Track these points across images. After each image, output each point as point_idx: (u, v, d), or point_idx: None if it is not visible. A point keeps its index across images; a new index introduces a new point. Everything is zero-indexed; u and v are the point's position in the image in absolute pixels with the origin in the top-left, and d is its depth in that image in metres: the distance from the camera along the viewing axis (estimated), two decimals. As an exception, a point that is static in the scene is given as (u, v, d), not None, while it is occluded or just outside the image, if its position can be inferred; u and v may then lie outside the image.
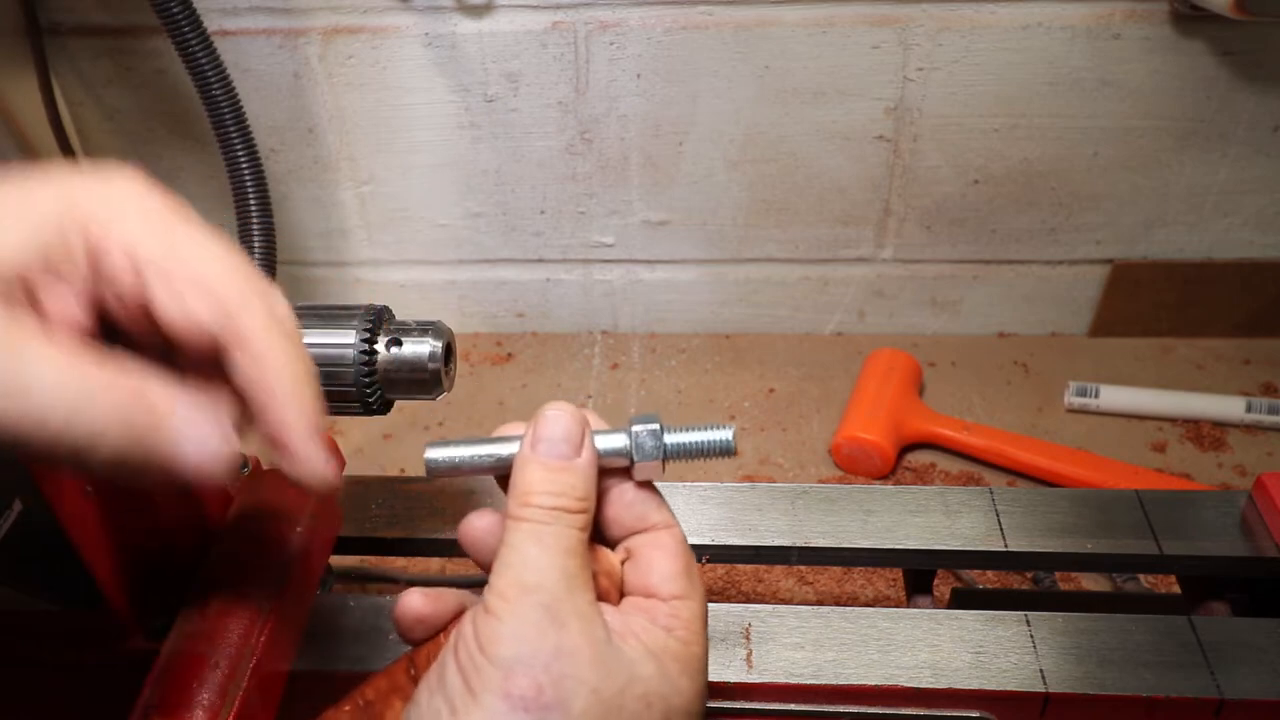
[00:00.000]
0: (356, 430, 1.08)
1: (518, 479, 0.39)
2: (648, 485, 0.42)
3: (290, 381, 0.35)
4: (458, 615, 0.42)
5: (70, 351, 0.32)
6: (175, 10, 0.81)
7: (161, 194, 0.36)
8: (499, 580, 0.37)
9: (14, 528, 0.44)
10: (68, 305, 0.34)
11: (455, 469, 0.42)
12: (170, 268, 0.34)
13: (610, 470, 0.41)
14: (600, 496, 0.41)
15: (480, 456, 0.42)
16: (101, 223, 0.34)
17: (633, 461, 0.41)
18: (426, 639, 0.42)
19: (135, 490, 0.51)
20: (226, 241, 0.36)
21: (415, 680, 0.41)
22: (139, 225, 0.35)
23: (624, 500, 0.42)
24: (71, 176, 0.35)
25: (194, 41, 0.83)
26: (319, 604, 0.59)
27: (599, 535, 0.42)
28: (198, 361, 0.36)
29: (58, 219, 0.33)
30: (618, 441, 0.41)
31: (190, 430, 0.33)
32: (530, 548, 0.37)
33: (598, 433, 0.41)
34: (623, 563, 0.41)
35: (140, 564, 0.53)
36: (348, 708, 0.41)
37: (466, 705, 0.34)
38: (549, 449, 0.39)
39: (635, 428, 0.41)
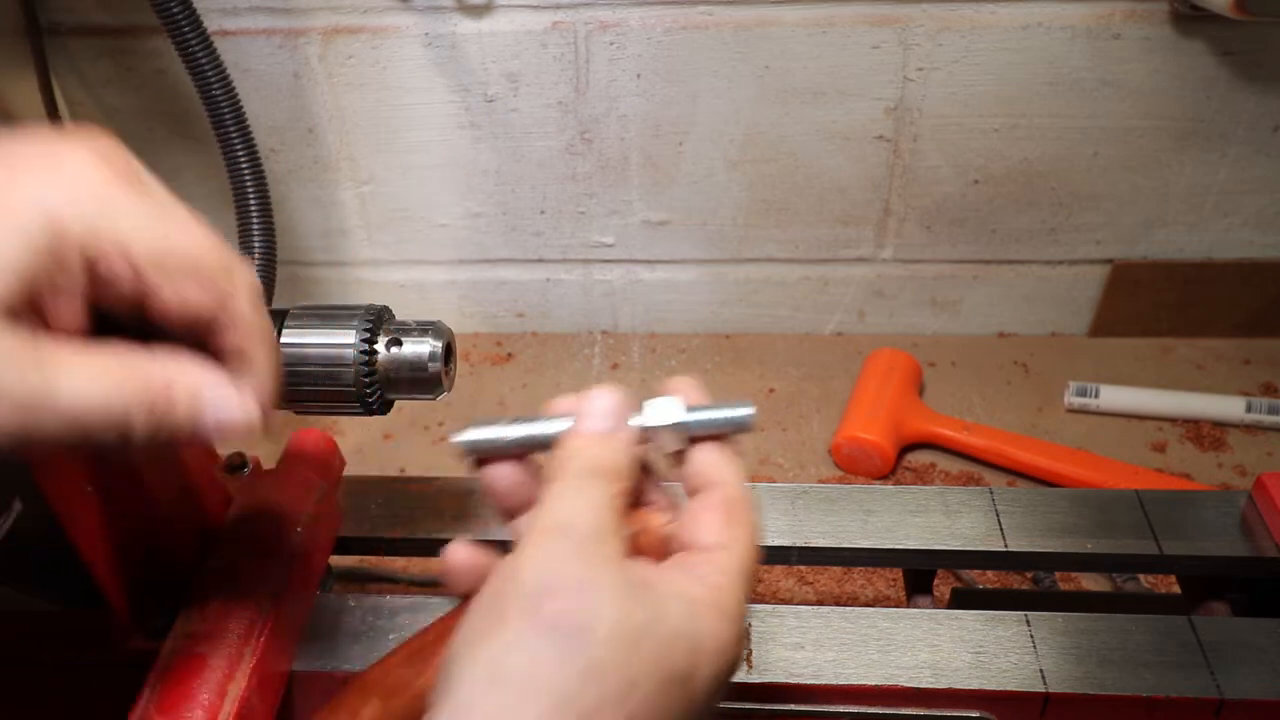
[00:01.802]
0: (356, 430, 1.08)
1: (563, 447, 0.42)
2: (708, 449, 0.44)
3: (268, 351, 0.40)
4: None
5: (85, 354, 0.35)
6: (175, 10, 0.81)
7: (127, 162, 0.38)
8: (533, 523, 0.39)
9: (14, 528, 0.44)
10: (70, 310, 0.36)
11: (492, 449, 0.44)
12: (166, 262, 0.37)
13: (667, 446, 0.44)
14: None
15: (518, 437, 0.44)
16: (92, 231, 0.35)
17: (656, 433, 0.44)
18: (473, 591, 0.43)
19: (135, 490, 0.51)
20: (189, 213, 0.38)
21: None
22: (128, 224, 0.36)
23: (683, 470, 0.44)
24: (42, 173, 0.36)
25: (194, 41, 0.83)
26: (319, 604, 0.59)
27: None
28: (180, 334, 0.39)
29: (48, 234, 0.34)
30: (647, 420, 0.43)
31: (213, 400, 0.38)
32: (565, 498, 0.39)
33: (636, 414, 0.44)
34: (669, 524, 0.43)
35: (140, 564, 0.53)
36: (399, 656, 0.43)
37: (495, 629, 0.35)
38: (592, 423, 0.42)
39: (658, 405, 0.44)
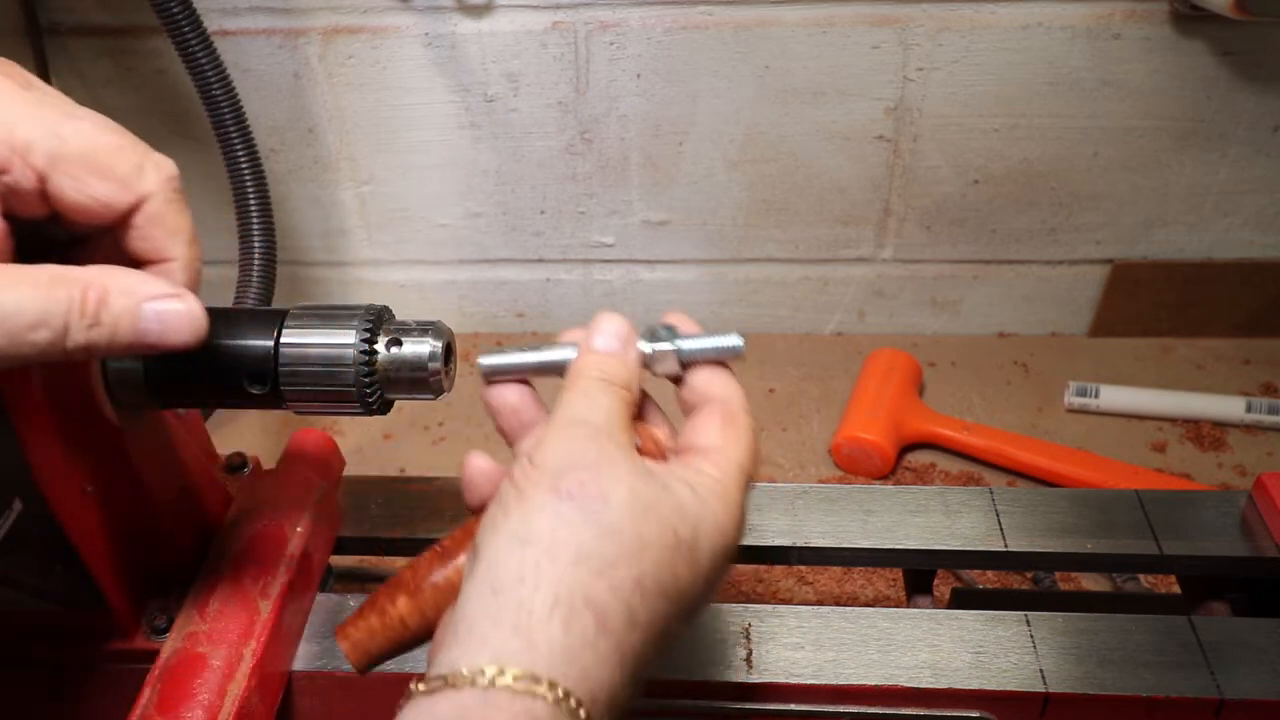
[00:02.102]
0: (356, 430, 1.07)
1: (578, 361, 0.45)
2: (705, 370, 0.48)
3: (185, 247, 0.41)
4: None
5: (12, 270, 0.36)
6: (175, 10, 0.81)
7: (22, 73, 0.39)
8: (550, 421, 0.42)
9: (14, 528, 0.44)
10: None
11: (511, 371, 0.48)
12: (65, 160, 0.37)
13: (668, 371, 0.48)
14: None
15: (534, 361, 0.47)
16: None
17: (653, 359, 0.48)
18: (490, 500, 0.46)
19: (135, 490, 0.51)
20: (98, 116, 0.40)
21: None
22: (24, 129, 0.37)
23: (682, 393, 0.48)
24: None
25: (194, 41, 0.83)
26: (319, 604, 0.59)
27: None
28: (90, 231, 0.40)
29: None
30: (647, 346, 0.47)
31: (148, 296, 0.38)
32: (580, 400, 0.43)
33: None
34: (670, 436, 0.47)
35: (140, 564, 0.53)
36: (427, 556, 0.45)
37: (518, 503, 0.39)
38: (603, 341, 0.46)
39: (655, 333, 0.48)
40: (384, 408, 0.49)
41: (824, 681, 0.53)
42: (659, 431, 0.47)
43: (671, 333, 0.48)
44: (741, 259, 1.14)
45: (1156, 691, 0.52)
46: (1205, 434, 1.03)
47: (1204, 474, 0.99)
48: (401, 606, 0.44)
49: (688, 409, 0.48)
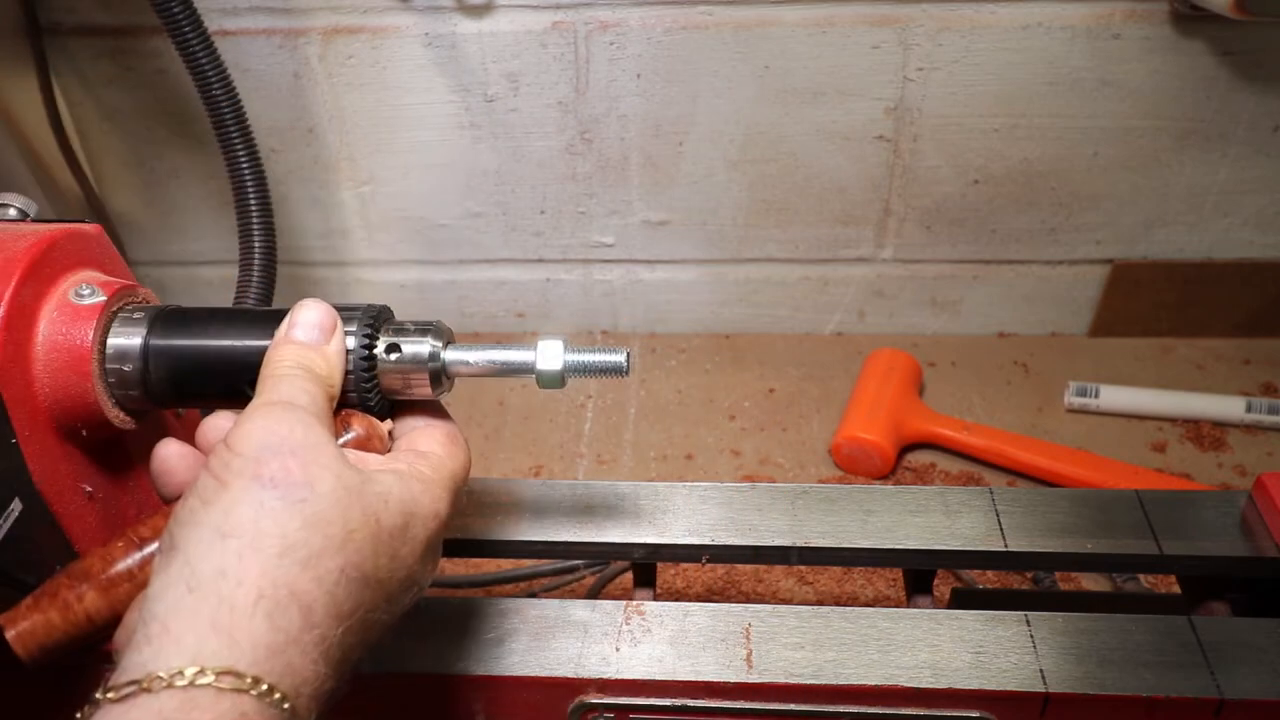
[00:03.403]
0: (356, 430, 1.07)
1: (271, 354, 0.44)
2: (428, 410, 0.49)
3: None
4: None
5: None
6: (176, 10, 0.81)
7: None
8: (249, 407, 0.41)
9: (14, 528, 0.44)
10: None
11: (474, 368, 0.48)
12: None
13: (403, 402, 0.48)
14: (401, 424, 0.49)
15: (499, 360, 0.48)
16: None
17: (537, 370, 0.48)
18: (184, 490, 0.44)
19: (135, 490, 0.51)
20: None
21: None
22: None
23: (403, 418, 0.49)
24: None
25: (194, 41, 0.83)
26: (319, 604, 0.59)
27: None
28: None
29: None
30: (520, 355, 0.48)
31: None
32: (281, 385, 0.42)
33: (509, 347, 0.48)
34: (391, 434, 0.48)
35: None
36: (120, 543, 0.42)
37: (217, 494, 0.37)
38: (304, 333, 0.44)
39: (540, 343, 0.48)
40: (384, 409, 0.49)
41: (824, 681, 0.53)
42: (384, 426, 0.46)
43: (558, 345, 0.48)
44: (741, 259, 1.14)
45: (1156, 691, 0.52)
46: (1205, 434, 1.03)
47: (1204, 474, 0.99)
48: (89, 602, 0.41)
49: (402, 432, 0.48)
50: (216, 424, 0.45)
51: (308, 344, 0.44)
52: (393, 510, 0.40)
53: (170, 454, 0.45)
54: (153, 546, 0.42)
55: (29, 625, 0.40)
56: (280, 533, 0.36)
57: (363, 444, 0.44)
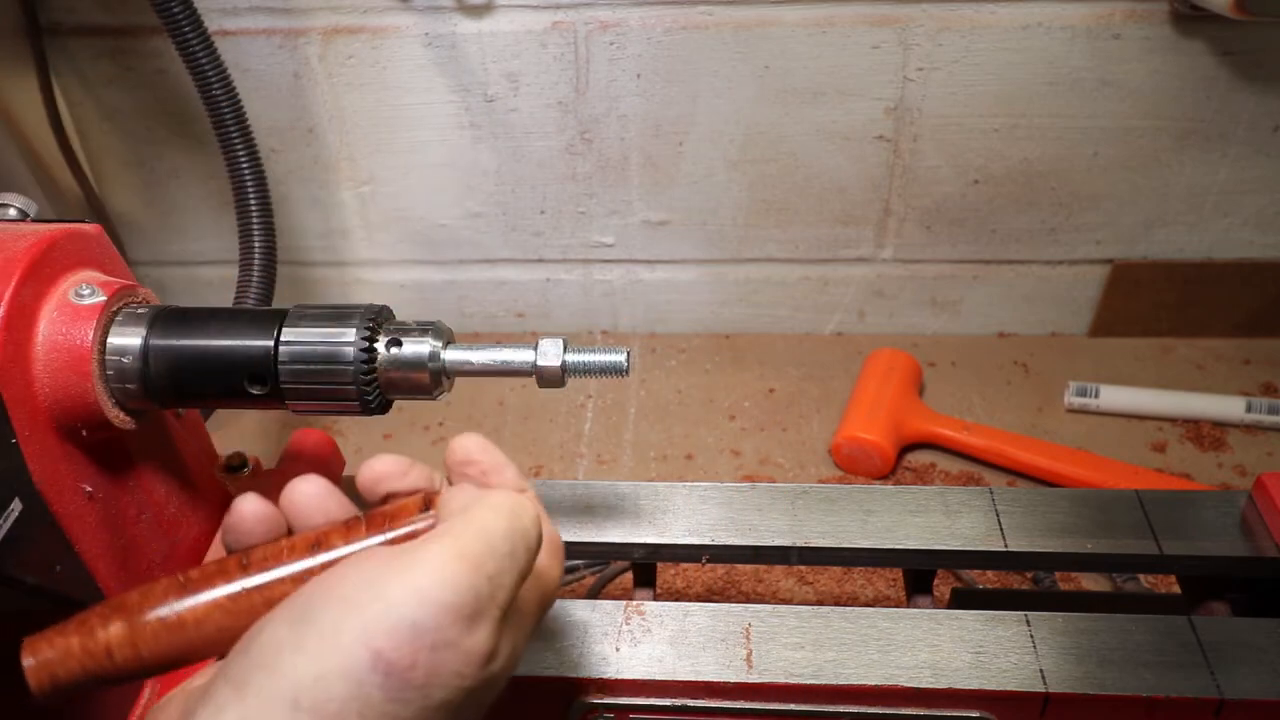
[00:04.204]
0: (356, 430, 1.08)
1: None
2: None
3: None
4: (346, 523, 0.41)
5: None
6: (176, 10, 0.81)
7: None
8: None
9: (14, 528, 0.44)
10: None
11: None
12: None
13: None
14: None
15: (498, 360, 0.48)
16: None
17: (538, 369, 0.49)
18: (248, 545, 0.40)
19: (135, 490, 0.51)
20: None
21: (246, 570, 0.39)
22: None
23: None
24: None
25: (194, 41, 0.83)
26: (319, 604, 0.59)
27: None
28: None
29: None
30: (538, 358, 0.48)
31: None
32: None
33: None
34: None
35: (140, 564, 0.53)
36: (165, 581, 0.39)
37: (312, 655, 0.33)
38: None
39: (541, 343, 0.49)
40: (384, 408, 0.49)
41: (824, 681, 0.53)
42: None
43: (557, 345, 0.49)
44: (741, 259, 1.14)
45: (1156, 691, 0.52)
46: (1205, 434, 1.03)
47: (1204, 474, 0.99)
48: (114, 633, 0.37)
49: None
50: (305, 495, 0.41)
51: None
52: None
53: (247, 514, 0.40)
54: (200, 595, 0.38)
55: (50, 651, 0.37)
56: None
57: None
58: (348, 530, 0.40)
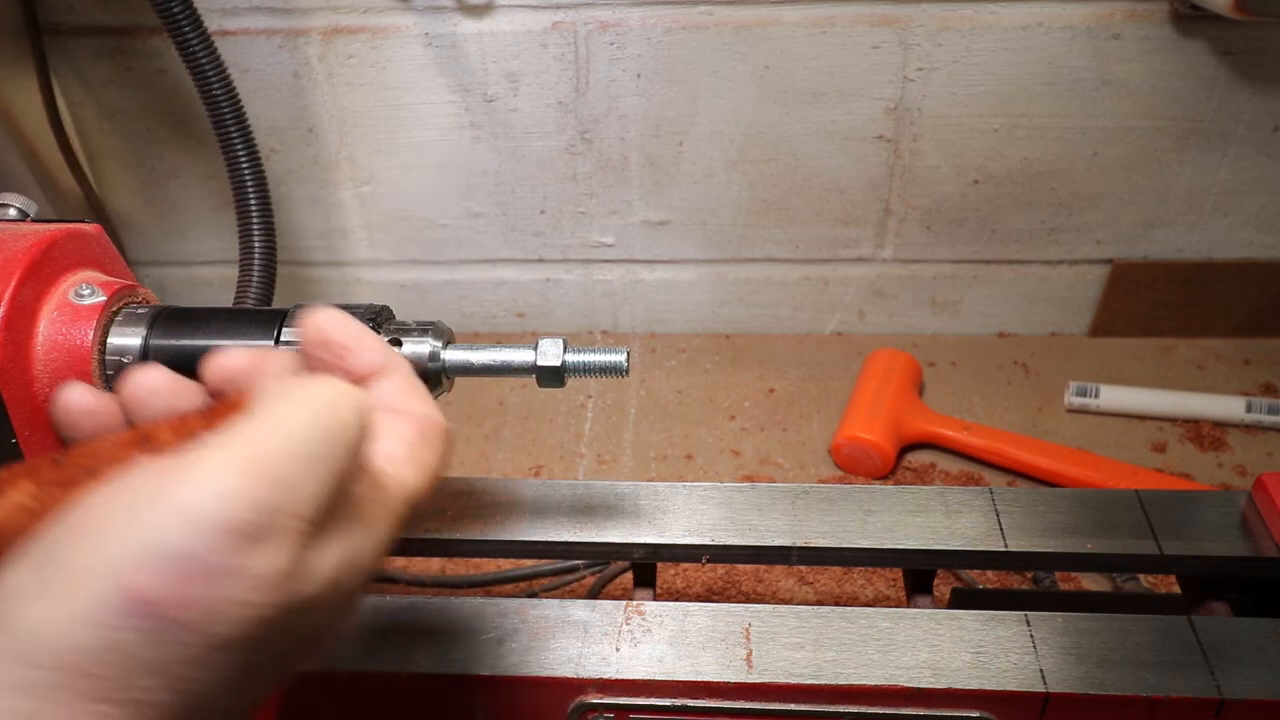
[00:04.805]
0: (356, 430, 1.07)
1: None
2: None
3: None
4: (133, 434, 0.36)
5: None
6: (176, 10, 0.81)
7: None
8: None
9: (14, 528, 0.44)
10: None
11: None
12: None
13: None
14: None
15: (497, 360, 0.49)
16: None
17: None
18: (85, 438, 0.37)
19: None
20: None
21: (58, 467, 0.34)
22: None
23: None
24: None
25: (194, 41, 0.83)
26: (319, 604, 0.59)
27: None
28: None
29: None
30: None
31: None
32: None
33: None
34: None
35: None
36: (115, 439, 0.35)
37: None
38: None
39: (540, 343, 0.49)
40: (384, 408, 0.49)
41: (824, 681, 0.53)
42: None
43: (557, 345, 0.49)
44: (741, 259, 1.14)
45: (1156, 691, 0.52)
46: (1205, 434, 1.03)
47: (1204, 474, 0.99)
48: (22, 494, 0.32)
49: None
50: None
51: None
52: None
53: (74, 405, 0.37)
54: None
55: None
56: None
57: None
58: (181, 425, 0.35)
